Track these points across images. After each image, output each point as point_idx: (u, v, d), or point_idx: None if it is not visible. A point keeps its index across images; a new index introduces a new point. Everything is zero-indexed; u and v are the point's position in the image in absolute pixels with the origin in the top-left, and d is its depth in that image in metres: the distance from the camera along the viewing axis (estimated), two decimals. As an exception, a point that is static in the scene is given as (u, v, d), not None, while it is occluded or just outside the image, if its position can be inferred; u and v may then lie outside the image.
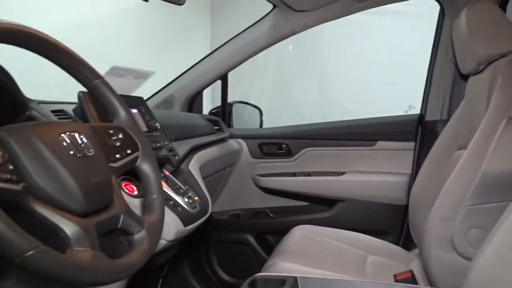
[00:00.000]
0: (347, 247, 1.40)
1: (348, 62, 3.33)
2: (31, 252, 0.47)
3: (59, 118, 0.91)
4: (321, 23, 1.66)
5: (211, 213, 1.86)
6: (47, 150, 0.57)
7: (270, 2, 1.61)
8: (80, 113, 0.95)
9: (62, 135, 0.61)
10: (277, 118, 2.71)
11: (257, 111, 2.20)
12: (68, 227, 0.54)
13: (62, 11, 2.44)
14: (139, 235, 0.66)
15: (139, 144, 0.77)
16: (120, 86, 1.67)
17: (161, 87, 1.90)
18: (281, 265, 1.22)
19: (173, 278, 1.78)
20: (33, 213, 0.52)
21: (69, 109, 0.98)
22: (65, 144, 0.60)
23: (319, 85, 3.49)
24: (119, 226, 0.64)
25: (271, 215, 1.87)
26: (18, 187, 0.51)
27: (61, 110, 0.95)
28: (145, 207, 0.75)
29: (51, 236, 0.53)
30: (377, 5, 1.56)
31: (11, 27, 0.61)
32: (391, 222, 1.69)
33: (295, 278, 1.07)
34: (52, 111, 0.92)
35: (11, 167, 0.52)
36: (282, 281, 1.07)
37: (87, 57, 0.76)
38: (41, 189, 0.54)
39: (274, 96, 3.65)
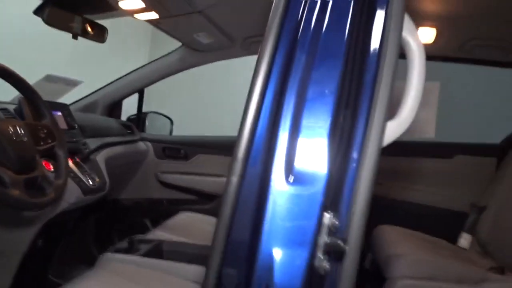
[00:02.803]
0: (213, 229, 1.91)
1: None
2: None
3: (4, 114, 1.35)
4: (216, 61, 2.21)
5: (120, 198, 2.32)
6: (1, 135, 1.03)
7: (180, 41, 2.13)
8: (19, 112, 1.40)
9: (10, 127, 1.07)
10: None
11: (168, 121, 2.69)
12: (8, 177, 1.00)
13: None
14: (49, 190, 1.13)
15: (56, 137, 1.24)
16: (53, 90, 2.11)
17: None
18: (156, 233, 1.71)
19: (78, 242, 2.19)
20: (-10, 168, 0.99)
21: (11, 108, 1.42)
22: (10, 132, 1.07)
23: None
24: (37, 182, 1.11)
25: (166, 204, 2.37)
26: None
27: (5, 109, 1.39)
28: (56, 176, 1.22)
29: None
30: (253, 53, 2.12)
31: None
32: None
33: (161, 241, 1.58)
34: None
35: None
36: (151, 241, 1.57)
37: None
38: None
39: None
